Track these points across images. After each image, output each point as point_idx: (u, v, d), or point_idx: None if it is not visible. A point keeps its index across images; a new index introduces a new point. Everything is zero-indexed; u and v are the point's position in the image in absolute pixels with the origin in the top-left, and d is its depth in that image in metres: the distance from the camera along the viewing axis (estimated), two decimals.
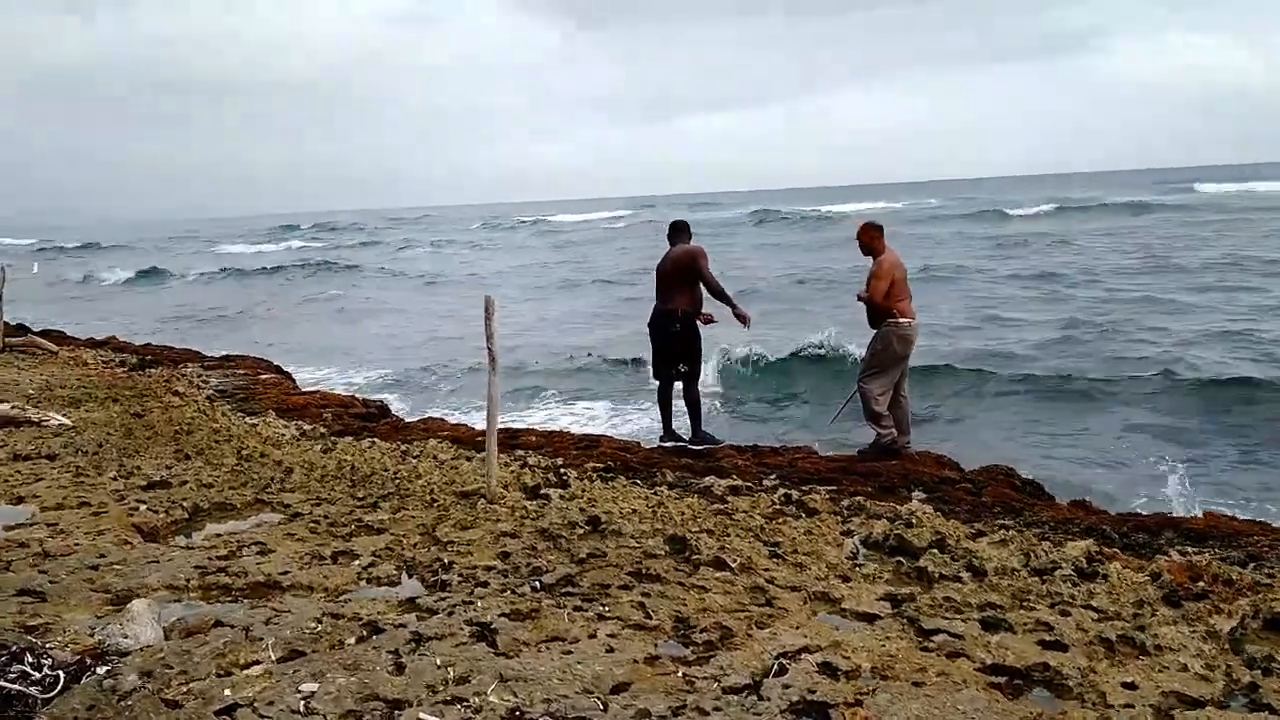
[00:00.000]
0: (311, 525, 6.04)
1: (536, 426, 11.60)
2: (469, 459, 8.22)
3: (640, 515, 6.05)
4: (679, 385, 8.56)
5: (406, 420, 11.62)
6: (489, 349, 6.48)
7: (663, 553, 5.19)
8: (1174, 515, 6.52)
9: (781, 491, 6.70)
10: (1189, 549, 5.50)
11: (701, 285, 8.34)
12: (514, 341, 19.65)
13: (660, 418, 8.77)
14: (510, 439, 9.63)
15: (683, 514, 6.06)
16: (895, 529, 5.66)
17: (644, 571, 4.84)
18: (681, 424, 9.00)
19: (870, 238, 8.41)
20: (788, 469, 7.79)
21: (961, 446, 9.82)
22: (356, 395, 13.86)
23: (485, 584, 4.72)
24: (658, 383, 8.71)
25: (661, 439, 8.73)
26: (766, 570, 4.92)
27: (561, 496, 6.65)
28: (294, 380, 15.40)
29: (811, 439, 9.89)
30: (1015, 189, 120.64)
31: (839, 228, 56.71)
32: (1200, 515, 6.44)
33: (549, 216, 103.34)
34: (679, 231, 8.74)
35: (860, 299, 8.23)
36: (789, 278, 30.55)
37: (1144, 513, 6.83)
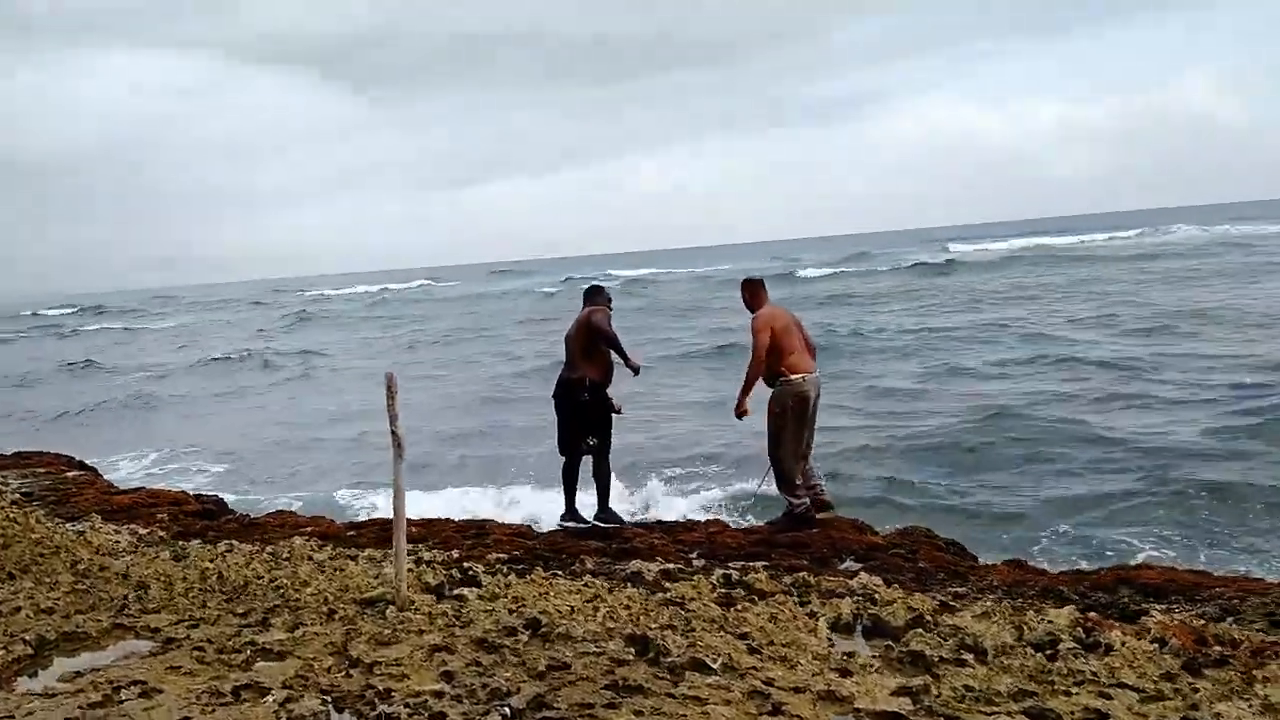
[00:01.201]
0: (196, 653, 5.11)
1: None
2: (351, 558, 7.35)
3: (581, 613, 5.42)
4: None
5: (252, 516, 10.50)
6: (393, 431, 5.73)
7: (630, 657, 4.60)
8: (1119, 568, 6.39)
9: (719, 573, 6.20)
10: (1161, 608, 5.31)
11: (611, 352, 7.82)
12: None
13: (564, 494, 8.13)
14: (383, 528, 8.77)
15: (628, 608, 5.47)
16: (863, 608, 5.25)
17: (622, 683, 4.24)
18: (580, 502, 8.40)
19: (750, 293, 8.13)
20: (706, 545, 7.32)
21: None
22: (186, 491, 12.51)
23: (443, 715, 4.00)
24: (563, 458, 8.09)
25: (562, 518, 8.10)
26: (755, 670, 4.40)
27: (480, 597, 5.94)
28: (103, 477, 13.84)
29: (701, 509, 9.41)
30: (804, 250, 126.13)
31: (658, 289, 57.57)
32: (1145, 567, 6.34)
33: (331, 290, 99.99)
34: (592, 295, 8.22)
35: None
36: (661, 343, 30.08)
37: (1084, 566, 6.68)
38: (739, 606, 5.41)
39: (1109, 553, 9.11)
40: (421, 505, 11.70)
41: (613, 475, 7.99)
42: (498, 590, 6.06)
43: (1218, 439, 13.04)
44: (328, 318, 56.11)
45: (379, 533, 8.60)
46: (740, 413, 7.75)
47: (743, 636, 4.93)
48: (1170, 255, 50.63)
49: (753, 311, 8.02)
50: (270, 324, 55.20)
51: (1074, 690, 3.99)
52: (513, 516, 9.95)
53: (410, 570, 6.84)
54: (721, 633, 4.97)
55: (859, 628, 5.16)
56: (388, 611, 5.68)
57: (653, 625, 5.07)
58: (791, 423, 7.64)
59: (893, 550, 6.93)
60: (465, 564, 6.85)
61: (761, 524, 8.03)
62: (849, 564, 6.80)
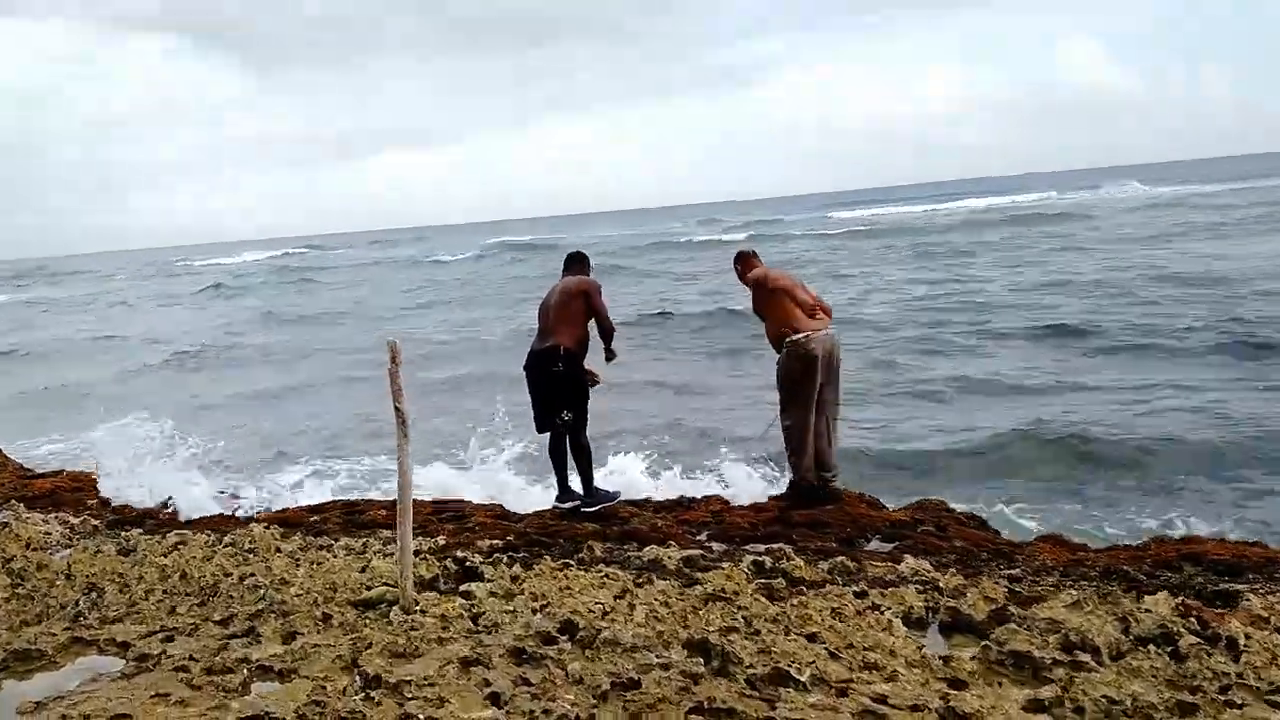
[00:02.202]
0: (180, 674, 4.38)
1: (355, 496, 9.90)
2: (325, 549, 6.62)
3: (618, 612, 4.82)
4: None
5: None
6: (396, 407, 5.03)
7: (701, 669, 4.02)
8: (1179, 541, 6.02)
9: (749, 559, 5.65)
10: (1245, 588, 4.91)
11: (595, 324, 7.17)
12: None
13: (555, 476, 7.47)
14: (348, 513, 8.03)
15: (667, 605, 4.89)
16: (934, 599, 4.77)
17: (709, 705, 3.67)
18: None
19: (743, 264, 7.64)
20: (714, 525, 6.78)
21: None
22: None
23: None
24: (546, 435, 7.41)
25: (558, 499, 7.44)
26: (853, 684, 3.87)
27: (493, 594, 5.29)
28: (14, 460, 12.67)
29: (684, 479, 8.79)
30: (703, 213, 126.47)
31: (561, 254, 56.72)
32: (1194, 539, 5.98)
33: (219, 260, 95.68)
34: (575, 262, 7.53)
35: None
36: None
37: (1129, 541, 6.32)
38: (794, 601, 4.86)
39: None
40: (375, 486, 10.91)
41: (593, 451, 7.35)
42: (509, 585, 5.42)
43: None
44: (233, 289, 53.41)
45: (345, 517, 7.86)
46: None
47: (813, 638, 4.40)
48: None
49: (745, 282, 7.53)
50: (173, 297, 52.66)
51: (1241, 701, 3.54)
52: (470, 494, 9.23)
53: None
54: (788, 634, 4.43)
55: (934, 622, 4.67)
56: (392, 614, 5.00)
57: (709, 628, 4.50)
58: (799, 387, 7.05)
59: (921, 528, 6.47)
60: (459, 554, 6.17)
61: (767, 499, 7.47)
62: (876, 544, 6.33)
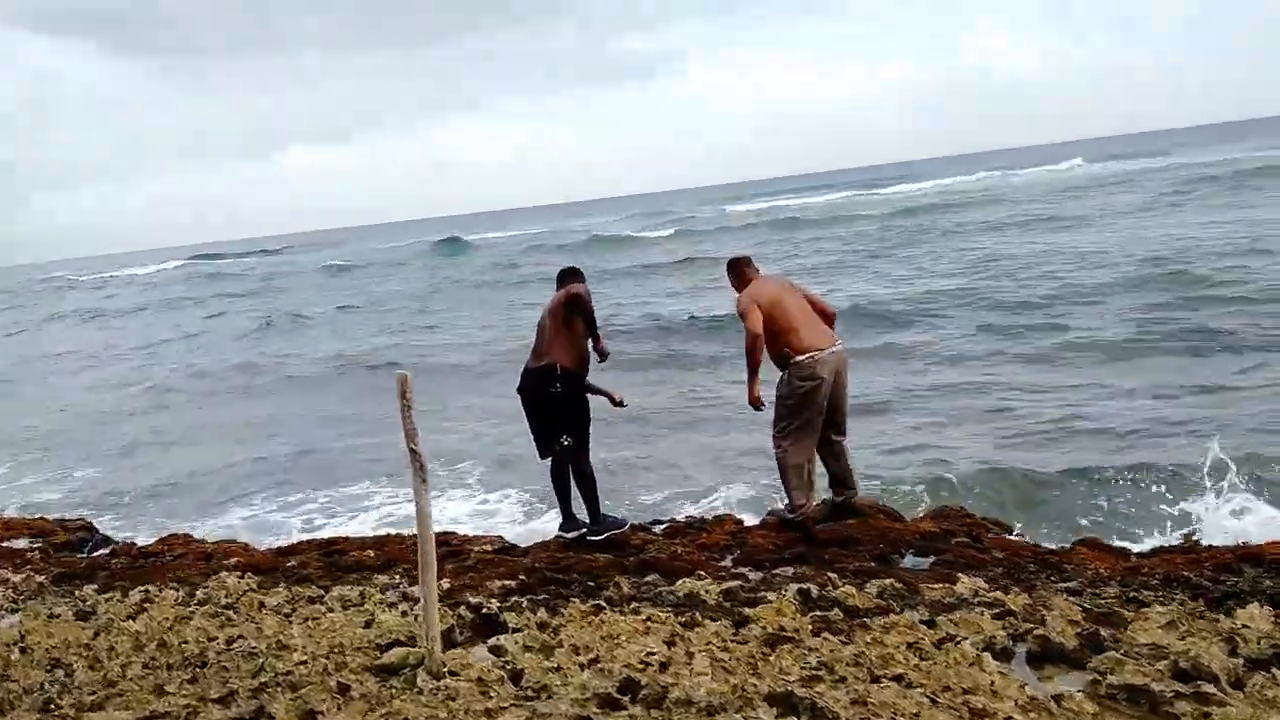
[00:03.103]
0: None
1: (329, 532, 9.28)
2: (316, 600, 6.06)
3: (677, 664, 4.39)
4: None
5: (141, 546, 8.86)
6: (411, 449, 4.52)
7: None
8: (1233, 548, 5.76)
9: (794, 589, 5.27)
10: None
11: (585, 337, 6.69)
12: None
13: (558, 501, 6.99)
14: (325, 553, 7.44)
15: (728, 651, 4.48)
16: (1015, 625, 4.44)
17: None
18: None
19: (734, 274, 7.04)
20: (737, 549, 6.39)
21: None
22: (45, 516, 10.61)
23: None
24: (548, 461, 6.92)
25: (562, 528, 6.97)
26: None
27: (527, 647, 4.82)
28: None
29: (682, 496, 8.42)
30: (615, 210, 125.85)
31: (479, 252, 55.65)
32: (1268, 542, 5.75)
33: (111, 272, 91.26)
34: (568, 276, 7.03)
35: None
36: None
37: (1169, 542, 6.09)
38: (865, 637, 4.49)
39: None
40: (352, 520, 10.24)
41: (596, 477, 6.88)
42: (541, 635, 4.95)
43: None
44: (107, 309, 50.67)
45: (324, 558, 7.28)
46: (754, 402, 6.73)
47: (900, 680, 4.03)
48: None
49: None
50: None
51: None
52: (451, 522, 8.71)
53: (400, 611, 5.66)
54: (875, 680, 4.05)
55: (1019, 652, 4.34)
56: (419, 680, 4.50)
57: (787, 677, 4.10)
58: (800, 410, 6.49)
59: (956, 539, 6.16)
60: (470, 598, 5.68)
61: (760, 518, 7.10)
62: (911, 559, 6.00)
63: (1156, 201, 37.87)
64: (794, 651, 4.38)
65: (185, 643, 5.44)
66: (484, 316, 29.07)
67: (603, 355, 6.69)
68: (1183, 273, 19.37)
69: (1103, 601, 4.88)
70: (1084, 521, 7.63)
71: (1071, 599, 4.91)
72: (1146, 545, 6.34)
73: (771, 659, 4.32)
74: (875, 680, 4.04)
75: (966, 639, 4.40)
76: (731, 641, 4.61)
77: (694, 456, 10.92)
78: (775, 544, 6.32)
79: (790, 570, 5.88)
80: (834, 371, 6.52)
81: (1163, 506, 7.45)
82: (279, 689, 4.64)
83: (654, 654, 4.50)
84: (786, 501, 6.79)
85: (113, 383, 23.54)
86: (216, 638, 5.52)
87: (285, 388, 20.30)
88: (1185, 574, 5.16)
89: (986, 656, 4.16)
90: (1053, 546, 6.16)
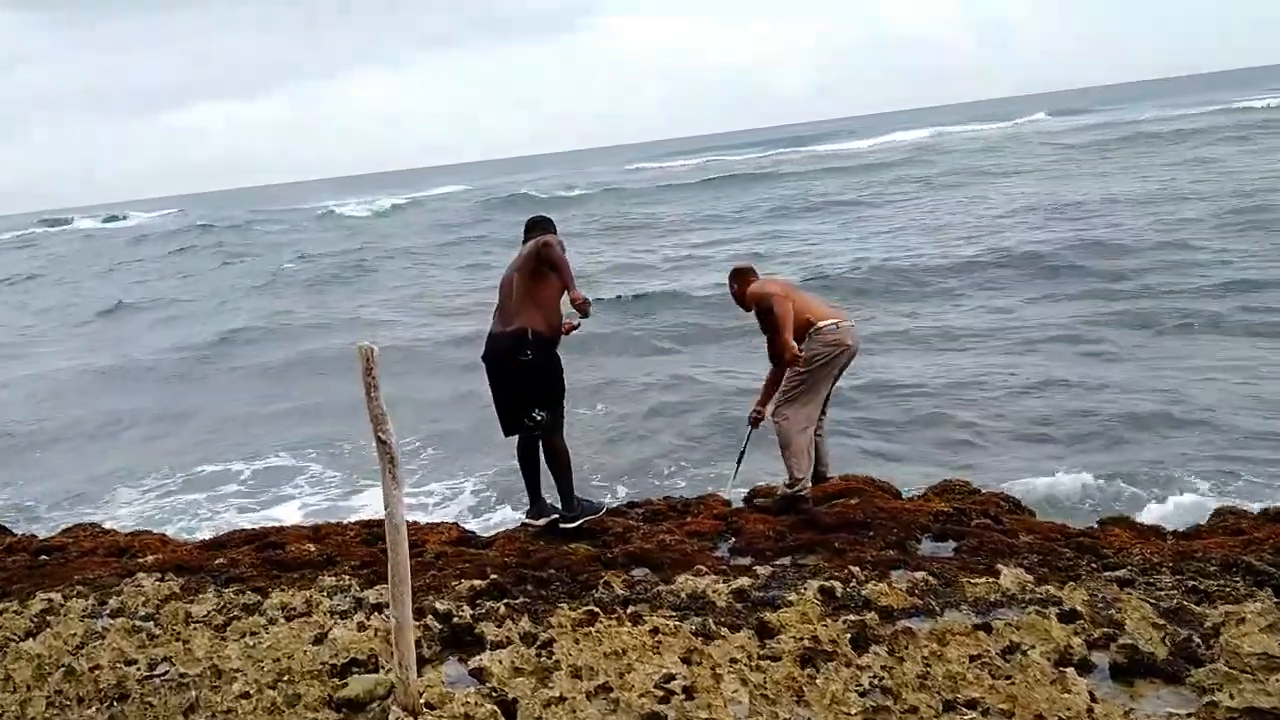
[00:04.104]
0: None
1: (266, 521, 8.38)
2: (254, 609, 5.24)
3: (703, 689, 3.72)
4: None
5: (42, 539, 7.83)
6: (378, 437, 3.73)
7: None
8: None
9: (815, 585, 4.63)
10: None
11: (563, 292, 5.87)
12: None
13: (525, 484, 6.22)
14: (258, 547, 6.56)
15: (761, 671, 3.83)
16: (1089, 633, 3.86)
17: None
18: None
19: (740, 282, 6.48)
20: (732, 536, 5.74)
21: None
22: None
23: None
24: (515, 438, 6.14)
25: (528, 515, 6.22)
26: None
27: (518, 670, 4.09)
28: None
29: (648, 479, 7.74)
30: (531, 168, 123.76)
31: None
32: None
33: None
34: (535, 228, 6.21)
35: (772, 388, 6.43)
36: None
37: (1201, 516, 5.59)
38: (916, 649, 3.87)
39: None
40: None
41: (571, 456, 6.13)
42: (529, 654, 4.23)
43: None
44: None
45: (257, 554, 6.40)
46: (756, 419, 6.52)
47: (976, 707, 3.42)
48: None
49: (744, 306, 6.42)
50: None
51: None
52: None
53: (353, 621, 4.88)
54: (950, 709, 3.43)
55: (1102, 665, 3.75)
56: (391, 719, 3.76)
57: (845, 708, 3.46)
58: (819, 379, 6.04)
59: (976, 520, 5.59)
60: (436, 604, 4.91)
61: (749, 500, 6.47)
62: (929, 544, 5.41)
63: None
64: (841, 672, 3.74)
65: (98, 668, 4.60)
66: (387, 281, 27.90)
67: (583, 309, 5.75)
68: None
69: (1161, 593, 4.35)
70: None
71: (1128, 591, 4.36)
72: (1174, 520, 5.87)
73: (818, 682, 3.67)
74: (949, 708, 3.42)
75: (1034, 648, 3.81)
76: (760, 658, 3.96)
77: (655, 432, 10.26)
78: (775, 530, 5.67)
79: (792, 561, 5.25)
80: (854, 342, 6.17)
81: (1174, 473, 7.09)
82: None
83: (674, 677, 3.83)
84: (785, 479, 6.22)
85: None
86: (136, 661, 4.69)
87: (177, 368, 19.01)
88: (1244, 558, 4.65)
89: (1071, 673, 3.57)
90: (1079, 527, 5.62)
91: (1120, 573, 4.67)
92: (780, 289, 6.22)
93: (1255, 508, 5.87)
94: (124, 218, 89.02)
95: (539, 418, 5.88)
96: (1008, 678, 3.59)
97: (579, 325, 6.14)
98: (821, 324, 6.00)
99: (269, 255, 38.92)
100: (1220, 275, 15.76)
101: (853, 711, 3.41)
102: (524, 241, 6.14)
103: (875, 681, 3.64)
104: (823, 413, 6.33)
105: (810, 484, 6.12)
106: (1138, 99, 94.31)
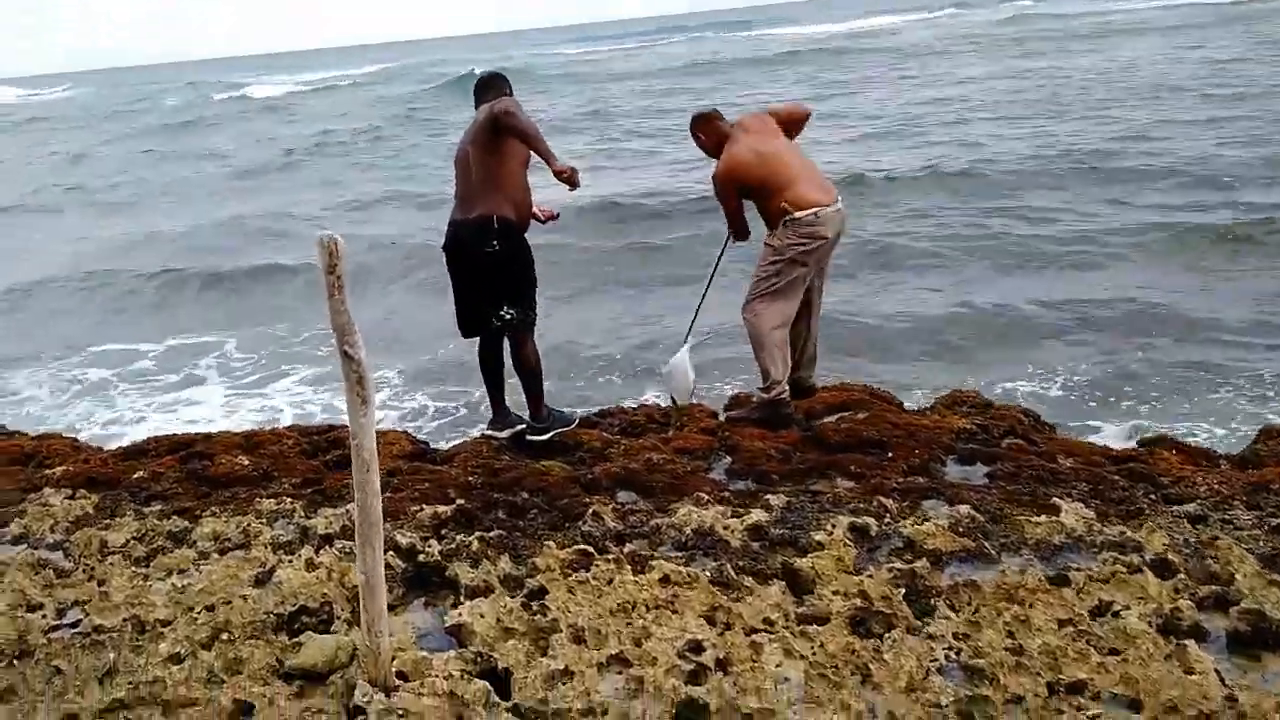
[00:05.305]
0: None
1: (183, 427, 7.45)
2: (181, 539, 4.40)
3: (739, 659, 3.04)
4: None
5: None
6: (344, 352, 2.88)
7: None
8: None
9: (845, 523, 3.96)
10: None
11: (528, 162, 4.99)
12: None
13: (488, 393, 5.42)
14: (182, 459, 5.64)
15: (807, 637, 3.15)
16: (1193, 589, 3.26)
17: None
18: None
19: (704, 133, 5.59)
20: (728, 455, 5.04)
21: None
22: None
23: None
24: (476, 340, 5.32)
25: (490, 425, 5.44)
26: None
27: (507, 631, 3.37)
28: None
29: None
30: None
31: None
32: None
33: None
34: (487, 89, 5.25)
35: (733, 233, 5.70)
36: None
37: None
38: (989, 606, 3.23)
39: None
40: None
41: (541, 360, 5.33)
42: (516, 608, 3.50)
43: None
44: None
45: (181, 465, 5.45)
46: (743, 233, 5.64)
47: (1083, 690, 2.80)
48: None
49: (716, 156, 5.49)
50: None
51: None
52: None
53: (297, 555, 4.09)
54: (1055, 691, 2.80)
55: (1218, 634, 3.14)
56: (360, 697, 3.01)
57: (935, 697, 2.81)
58: (791, 274, 5.29)
59: (1008, 440, 4.96)
60: (400, 538, 4.13)
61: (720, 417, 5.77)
62: (954, 467, 4.77)
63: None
64: (907, 641, 3.08)
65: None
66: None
67: (570, 180, 4.82)
68: None
69: (1243, 534, 3.78)
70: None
71: (1199, 528, 3.79)
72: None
73: (886, 658, 3.00)
74: (1053, 692, 2.79)
75: (1129, 608, 3.19)
76: (801, 619, 3.29)
77: (609, 335, 9.46)
78: (777, 449, 4.98)
79: (806, 488, 4.56)
80: (836, 232, 5.32)
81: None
82: (143, 708, 3.09)
83: (702, 647, 3.14)
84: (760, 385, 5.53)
85: None
86: (42, 606, 3.86)
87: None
88: None
89: (1192, 646, 2.96)
90: (1121, 448, 5.04)
91: (1189, 507, 4.09)
92: (756, 167, 5.32)
93: None
94: None
95: (508, 316, 5.05)
96: (1114, 651, 2.97)
97: (558, 215, 5.29)
98: (799, 214, 5.20)
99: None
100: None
101: (943, 701, 2.76)
102: (475, 107, 5.19)
103: (954, 655, 3.00)
104: (814, 314, 5.64)
105: (789, 390, 5.46)
106: None
